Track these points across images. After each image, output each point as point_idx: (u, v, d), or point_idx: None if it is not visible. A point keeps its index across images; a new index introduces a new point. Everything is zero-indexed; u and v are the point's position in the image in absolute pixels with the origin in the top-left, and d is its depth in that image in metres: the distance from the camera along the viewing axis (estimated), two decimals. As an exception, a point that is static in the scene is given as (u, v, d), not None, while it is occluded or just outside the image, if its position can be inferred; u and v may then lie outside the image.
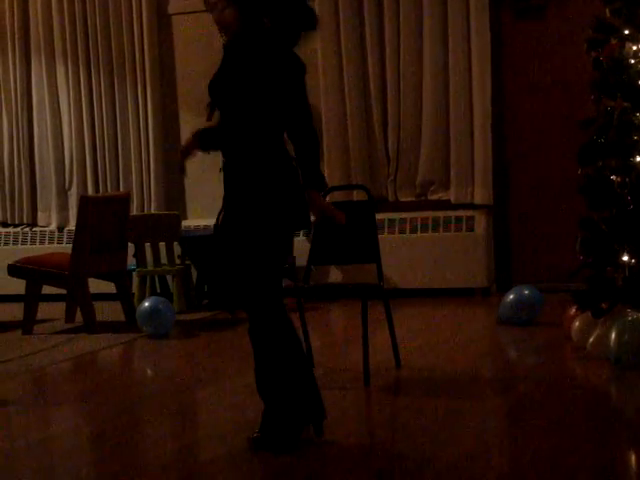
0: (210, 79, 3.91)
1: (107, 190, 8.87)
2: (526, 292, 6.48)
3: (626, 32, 5.44)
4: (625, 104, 5.39)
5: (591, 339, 5.35)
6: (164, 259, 8.02)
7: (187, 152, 4.10)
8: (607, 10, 5.52)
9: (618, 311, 5.27)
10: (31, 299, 7.10)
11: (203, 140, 4.03)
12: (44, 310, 7.40)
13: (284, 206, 3.83)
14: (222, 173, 3.94)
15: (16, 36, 9.09)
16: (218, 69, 3.89)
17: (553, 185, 7.83)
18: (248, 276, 3.83)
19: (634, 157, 5.37)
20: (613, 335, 5.06)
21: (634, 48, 5.42)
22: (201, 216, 8.51)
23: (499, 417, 4.54)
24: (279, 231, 3.85)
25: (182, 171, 4.17)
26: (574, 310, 5.67)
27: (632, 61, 5.41)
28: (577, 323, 5.56)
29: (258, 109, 3.79)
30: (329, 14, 8.16)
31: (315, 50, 8.24)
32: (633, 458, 3.84)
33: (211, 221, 8.41)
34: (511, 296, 6.47)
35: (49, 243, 9.00)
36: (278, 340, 3.90)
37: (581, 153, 5.55)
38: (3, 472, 3.92)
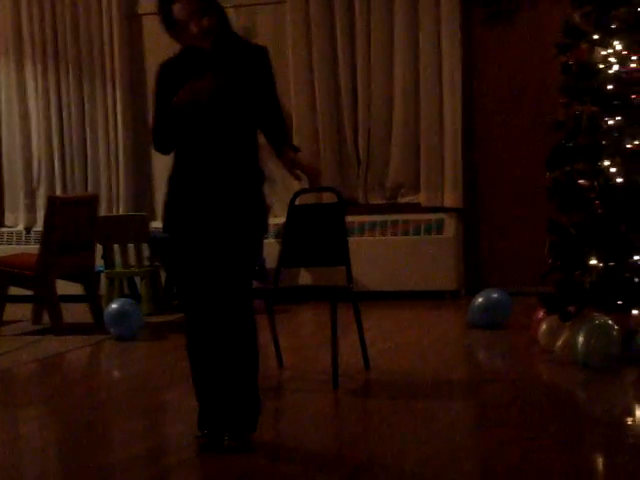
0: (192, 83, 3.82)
1: (75, 191, 8.81)
2: (495, 295, 6.50)
3: (595, 37, 5.47)
4: (594, 108, 5.43)
5: (559, 342, 5.38)
6: (132, 260, 7.98)
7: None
8: (576, 14, 5.55)
9: (586, 314, 5.29)
10: (-2, 300, 7.04)
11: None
12: (11, 311, 7.33)
13: (264, 209, 3.97)
14: (186, 177, 3.89)
15: (-16, 35, 9.02)
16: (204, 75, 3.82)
17: (523, 189, 7.86)
18: (236, 276, 3.86)
19: (602, 161, 5.40)
20: (581, 338, 5.09)
21: (603, 53, 5.45)
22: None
23: (468, 418, 4.55)
24: (262, 233, 3.99)
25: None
26: (542, 313, 5.69)
27: (601, 66, 5.44)
28: (545, 326, 5.58)
29: (256, 107, 3.88)
30: (300, 14, 8.16)
31: (285, 53, 8.24)
32: (600, 460, 3.86)
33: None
34: (480, 299, 6.49)
35: (16, 244, 8.92)
36: (254, 341, 3.93)
37: (550, 157, 5.58)
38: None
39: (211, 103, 3.79)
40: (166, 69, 3.91)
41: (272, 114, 3.96)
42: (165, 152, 3.96)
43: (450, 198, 7.98)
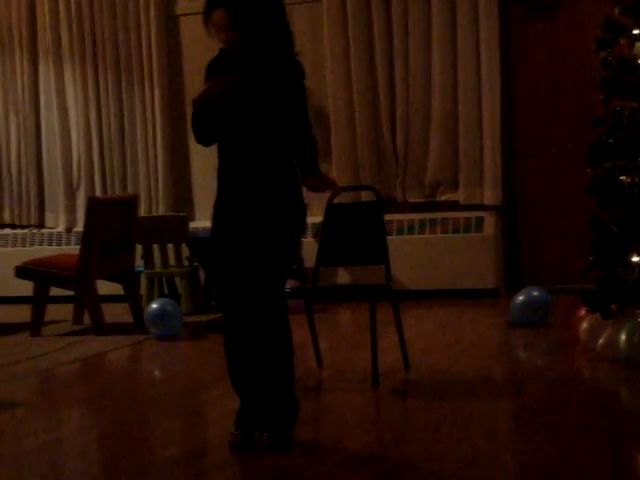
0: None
1: (115, 192, 8.87)
2: (536, 293, 6.45)
3: (635, 32, 5.41)
4: (634, 104, 5.37)
5: (601, 340, 5.32)
6: (172, 261, 8.01)
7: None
8: (616, 10, 5.49)
9: (628, 312, 5.24)
10: (39, 301, 7.10)
11: None
12: (52, 312, 7.40)
13: (301, 208, 3.98)
14: (226, 176, 3.93)
15: (24, 38, 9.11)
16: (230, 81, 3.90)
17: (563, 185, 7.80)
18: (270, 276, 3.89)
19: (644, 157, 5.34)
20: (623, 336, 5.04)
21: (644, 48, 5.39)
22: (209, 217, 8.48)
23: (508, 418, 4.51)
24: (299, 233, 4.04)
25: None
26: (584, 311, 5.64)
27: (642, 61, 5.38)
28: (586, 324, 5.53)
29: (282, 115, 3.91)
30: (337, 14, 8.15)
31: (323, 51, 8.24)
32: (644, 460, 3.82)
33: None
34: (521, 297, 6.44)
35: (57, 245, 9.00)
36: (289, 340, 3.97)
37: (590, 153, 5.52)
38: (13, 473, 3.92)
39: (236, 101, 3.86)
40: (209, 67, 4.05)
41: (300, 133, 3.99)
42: (204, 144, 4.04)
43: (489, 195, 7.93)
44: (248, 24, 3.90)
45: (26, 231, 9.21)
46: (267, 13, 3.92)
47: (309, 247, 7.51)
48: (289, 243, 3.96)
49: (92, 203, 7.09)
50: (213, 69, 4.02)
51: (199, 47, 8.60)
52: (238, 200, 3.92)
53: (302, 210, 4.01)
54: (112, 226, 7.11)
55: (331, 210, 5.43)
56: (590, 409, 4.50)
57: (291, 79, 3.93)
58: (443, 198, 8.12)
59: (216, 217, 4.02)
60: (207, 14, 3.97)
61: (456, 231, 7.97)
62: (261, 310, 3.92)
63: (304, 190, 4.04)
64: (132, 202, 7.52)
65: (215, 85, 3.90)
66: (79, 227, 8.67)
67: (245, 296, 3.94)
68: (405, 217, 8.11)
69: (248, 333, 3.97)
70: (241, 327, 3.98)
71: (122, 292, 7.43)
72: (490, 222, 7.91)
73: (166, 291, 8.12)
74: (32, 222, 9.23)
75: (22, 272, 7.20)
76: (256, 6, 3.91)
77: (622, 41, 5.46)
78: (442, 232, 8.01)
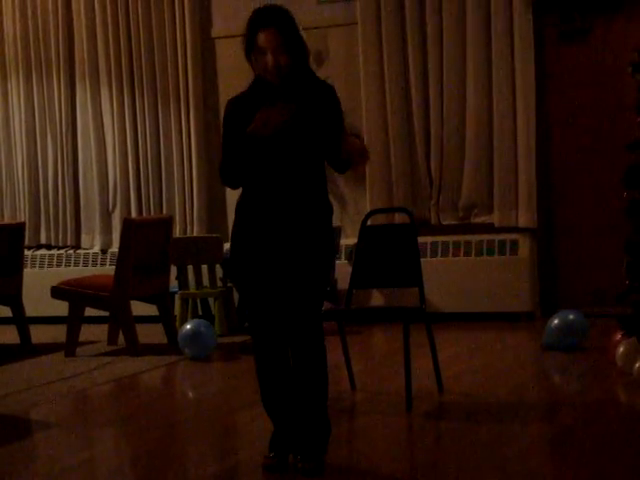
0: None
1: (150, 213, 8.92)
2: (571, 317, 6.40)
3: (671, 55, 5.39)
4: (670, 127, 5.34)
5: (637, 365, 5.27)
6: (206, 281, 8.04)
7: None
8: (652, 32, 5.48)
9: (665, 336, 5.19)
10: (74, 321, 7.14)
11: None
12: (87, 332, 7.44)
13: (332, 236, 4.03)
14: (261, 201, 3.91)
15: (61, 61, 9.20)
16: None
17: (598, 208, 7.75)
18: (309, 299, 3.89)
19: (680, 180, 5.30)
20: (660, 361, 4.98)
21: (679, 71, 5.36)
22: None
23: (543, 443, 4.47)
24: (332, 255, 4.05)
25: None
26: (620, 335, 5.59)
27: (677, 84, 5.35)
28: (622, 348, 5.48)
29: (320, 138, 3.87)
30: (372, 35, 8.17)
31: (357, 75, 8.26)
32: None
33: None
34: (556, 321, 6.40)
35: (92, 265, 9.06)
36: (324, 364, 3.96)
37: (627, 176, 5.49)
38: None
39: (282, 131, 3.80)
40: (234, 104, 3.94)
41: (338, 152, 3.91)
42: (235, 186, 4.02)
43: (524, 218, 7.90)
44: (298, 46, 3.82)
45: (62, 252, 9.28)
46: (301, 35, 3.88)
47: (343, 269, 7.51)
48: (327, 264, 3.96)
49: (128, 224, 7.13)
50: (239, 104, 3.90)
51: (235, 69, 8.66)
52: (271, 227, 3.88)
53: (332, 237, 4.04)
54: (147, 247, 7.15)
55: (365, 232, 5.43)
56: (625, 434, 4.45)
57: (336, 103, 3.89)
58: (477, 221, 8.09)
59: (240, 243, 3.95)
60: (252, 34, 3.81)
61: (490, 254, 7.94)
62: (299, 333, 3.91)
63: (338, 212, 4.05)
64: (167, 223, 7.57)
65: (269, 114, 3.76)
66: (114, 248, 8.73)
67: (282, 319, 3.93)
68: (439, 239, 8.09)
69: (282, 356, 3.97)
70: (275, 350, 3.97)
71: (156, 313, 7.46)
72: (525, 245, 7.87)
73: (200, 312, 8.14)
74: (68, 243, 9.30)
75: (57, 292, 7.25)
76: (297, 26, 3.84)
77: (658, 64, 5.44)
78: (476, 255, 7.98)
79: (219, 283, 8.08)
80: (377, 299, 8.07)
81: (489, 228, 8.02)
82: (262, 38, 3.77)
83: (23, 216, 9.33)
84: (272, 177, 3.88)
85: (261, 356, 4.00)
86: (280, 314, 3.93)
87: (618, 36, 7.63)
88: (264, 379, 4.02)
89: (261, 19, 3.80)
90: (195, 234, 8.69)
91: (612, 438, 4.35)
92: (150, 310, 7.55)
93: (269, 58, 3.79)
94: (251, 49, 3.85)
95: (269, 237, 3.90)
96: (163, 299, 7.42)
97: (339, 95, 3.95)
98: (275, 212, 3.89)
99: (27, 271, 9.18)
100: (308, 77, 3.90)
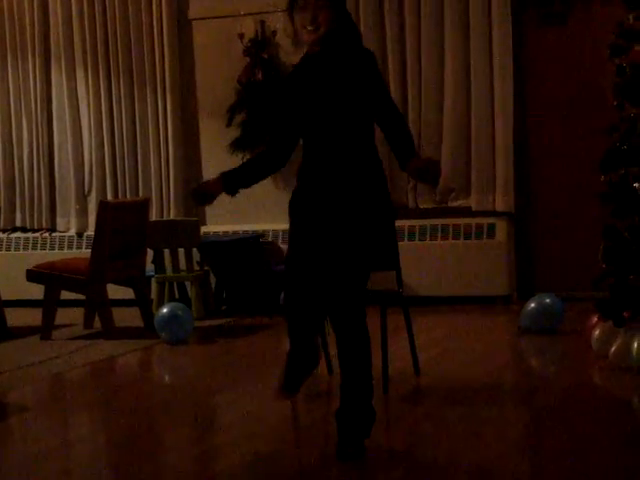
0: (297, 80, 3.90)
1: (126, 196, 8.87)
2: (547, 300, 6.42)
3: (650, 38, 5.39)
4: (648, 111, 5.34)
5: (613, 348, 5.29)
6: (183, 265, 8.01)
7: (210, 196, 4.00)
8: (630, 16, 5.47)
9: (641, 320, 5.21)
10: (50, 305, 7.10)
11: (230, 183, 3.99)
12: (63, 316, 7.40)
13: (389, 199, 4.01)
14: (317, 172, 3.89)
15: (36, 43, 9.11)
16: (307, 70, 3.89)
17: (575, 192, 7.77)
18: (361, 273, 3.87)
19: (658, 164, 5.31)
20: (635, 344, 5.01)
21: (658, 54, 5.36)
22: (220, 222, 8.49)
23: (520, 425, 4.49)
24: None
25: (201, 204, 4.08)
26: (596, 319, 5.61)
27: (656, 67, 5.35)
28: (598, 332, 5.50)
29: (367, 103, 3.88)
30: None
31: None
32: (657, 469, 3.79)
33: (230, 227, 8.49)
34: (532, 304, 6.42)
35: (68, 248, 9.00)
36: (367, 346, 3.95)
37: (604, 160, 5.49)
38: (23, 476, 3.91)
39: (331, 103, 3.82)
40: (286, 83, 3.99)
41: (393, 118, 3.95)
42: (282, 162, 4.00)
43: (501, 202, 7.90)
44: (342, 2, 3.86)
45: (37, 235, 9.22)
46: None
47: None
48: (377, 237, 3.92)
49: (103, 207, 7.09)
50: (292, 79, 3.94)
51: (211, 51, 8.61)
52: (332, 195, 3.85)
53: (389, 200, 3.98)
54: (123, 230, 7.11)
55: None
56: (601, 417, 4.47)
57: (375, 72, 3.89)
58: (455, 204, 8.09)
59: (298, 210, 3.91)
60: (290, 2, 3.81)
61: (468, 237, 7.95)
62: (341, 310, 3.84)
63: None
64: (143, 206, 7.52)
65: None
66: (90, 231, 8.67)
67: (326, 295, 3.84)
68: (417, 223, 8.08)
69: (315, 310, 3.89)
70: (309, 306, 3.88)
71: (133, 296, 7.42)
72: (502, 228, 7.89)
73: (177, 296, 8.11)
74: (43, 226, 9.23)
75: (33, 276, 7.21)
76: None
77: (636, 47, 5.44)
78: (454, 238, 7.98)
79: (196, 267, 8.05)
80: (354, 282, 8.05)
81: (466, 212, 8.03)
82: None
83: (-2, 199, 9.26)
84: (325, 147, 3.87)
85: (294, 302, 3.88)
86: (321, 287, 3.85)
87: (597, 19, 7.62)
88: (294, 300, 3.88)
89: None
90: (172, 217, 8.65)
91: (588, 421, 4.37)
92: (126, 293, 7.52)
93: (307, 16, 3.78)
94: (292, 9, 3.85)
95: (325, 206, 3.86)
96: (139, 282, 7.39)
97: None
98: (330, 182, 3.86)
99: (2, 254, 9.14)
100: (348, 44, 3.87)
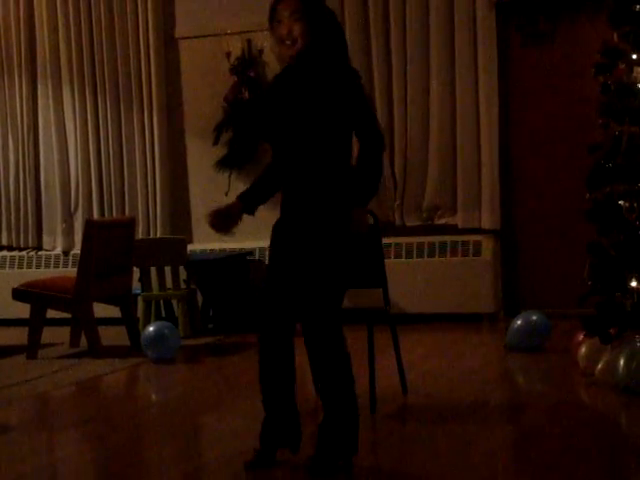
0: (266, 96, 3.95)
1: (113, 214, 8.86)
2: (534, 318, 6.43)
3: (634, 57, 5.42)
4: (633, 129, 5.37)
5: (599, 365, 5.30)
6: (169, 283, 7.99)
7: (232, 221, 4.01)
8: (615, 35, 5.51)
9: (627, 337, 5.22)
10: (35, 323, 7.07)
11: (248, 202, 4.02)
12: (48, 334, 7.36)
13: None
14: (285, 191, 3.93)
15: (22, 60, 9.11)
16: (278, 86, 3.91)
17: (561, 210, 7.79)
18: (331, 290, 3.85)
19: (642, 182, 5.33)
20: (622, 361, 5.01)
21: (642, 73, 5.40)
22: (207, 240, 8.48)
23: (507, 444, 4.49)
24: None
25: (222, 230, 4.07)
26: (582, 336, 5.62)
27: (640, 86, 5.39)
28: (585, 349, 5.51)
29: (337, 123, 3.85)
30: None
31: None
32: (644, 487, 3.79)
33: (217, 245, 8.48)
34: (519, 322, 6.42)
35: (54, 267, 8.97)
36: (345, 354, 3.94)
37: (589, 178, 5.52)
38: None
39: (287, 128, 3.83)
40: (262, 95, 4.05)
41: (362, 146, 3.94)
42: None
43: (487, 219, 7.93)
44: (317, 15, 3.82)
45: (23, 253, 9.19)
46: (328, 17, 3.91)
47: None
48: (344, 255, 3.90)
49: (89, 225, 7.08)
50: (276, 86, 3.94)
51: (198, 70, 8.62)
52: (292, 220, 3.90)
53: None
54: (109, 248, 7.09)
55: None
56: (588, 435, 4.47)
57: (351, 95, 3.85)
58: (441, 222, 8.11)
59: (274, 232, 3.98)
60: (275, 2, 3.83)
61: (454, 255, 7.96)
62: (320, 328, 3.86)
63: None
64: (130, 224, 7.52)
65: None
66: (77, 249, 8.64)
67: (303, 312, 3.87)
68: (403, 241, 8.09)
69: (287, 346, 3.95)
70: (281, 338, 3.93)
71: (119, 315, 7.40)
72: (488, 246, 7.90)
73: (163, 314, 8.09)
74: (29, 244, 9.21)
75: (19, 294, 7.18)
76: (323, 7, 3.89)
77: (621, 66, 5.48)
78: (440, 256, 7.99)
79: (183, 285, 8.04)
80: (341, 300, 8.04)
81: (453, 229, 8.05)
82: (280, 4, 3.82)
83: (-16, 217, 9.23)
84: (285, 171, 3.91)
85: (266, 344, 3.95)
86: (292, 306, 3.88)
87: (582, 38, 7.67)
88: (266, 365, 3.97)
89: None
90: (158, 235, 8.64)
91: (575, 438, 4.37)
92: (112, 312, 7.49)
93: (281, 30, 3.81)
94: (272, 22, 3.88)
95: (288, 230, 3.91)
96: (126, 301, 7.37)
97: None
98: (290, 207, 3.91)
99: (-12, 273, 9.11)
100: (327, 59, 3.86)
